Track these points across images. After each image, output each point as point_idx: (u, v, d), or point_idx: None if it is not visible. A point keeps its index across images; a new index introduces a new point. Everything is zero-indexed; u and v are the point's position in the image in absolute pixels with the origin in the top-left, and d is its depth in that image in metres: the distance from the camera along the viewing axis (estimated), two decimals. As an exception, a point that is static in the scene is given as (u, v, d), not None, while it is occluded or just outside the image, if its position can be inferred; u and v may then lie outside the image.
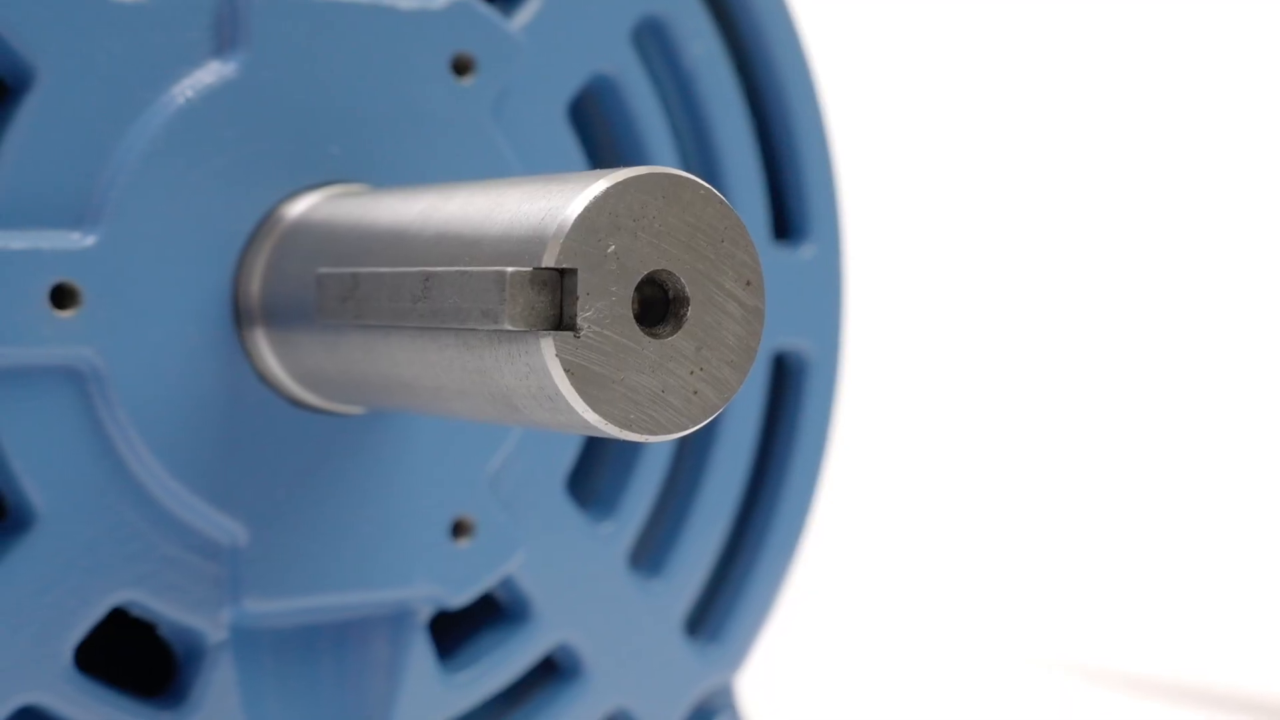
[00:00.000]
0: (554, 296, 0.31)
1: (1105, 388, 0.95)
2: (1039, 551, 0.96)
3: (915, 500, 1.02)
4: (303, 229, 0.41)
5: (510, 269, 0.31)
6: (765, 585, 0.53)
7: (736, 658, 0.53)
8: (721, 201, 0.33)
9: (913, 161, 1.02)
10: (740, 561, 0.53)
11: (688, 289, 0.32)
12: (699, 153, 0.51)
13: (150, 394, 0.41)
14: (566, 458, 0.48)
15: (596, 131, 0.49)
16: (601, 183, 0.31)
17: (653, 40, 0.49)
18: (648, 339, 0.32)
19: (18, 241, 0.39)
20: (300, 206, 0.42)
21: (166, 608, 0.42)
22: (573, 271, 0.31)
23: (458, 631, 0.48)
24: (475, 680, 0.47)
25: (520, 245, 0.32)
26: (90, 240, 0.40)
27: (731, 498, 0.52)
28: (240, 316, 0.41)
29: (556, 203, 0.32)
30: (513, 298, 0.31)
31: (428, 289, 0.34)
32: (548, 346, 0.31)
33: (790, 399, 0.53)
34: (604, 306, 0.31)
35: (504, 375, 0.33)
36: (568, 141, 0.47)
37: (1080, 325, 0.97)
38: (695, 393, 0.33)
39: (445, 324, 0.33)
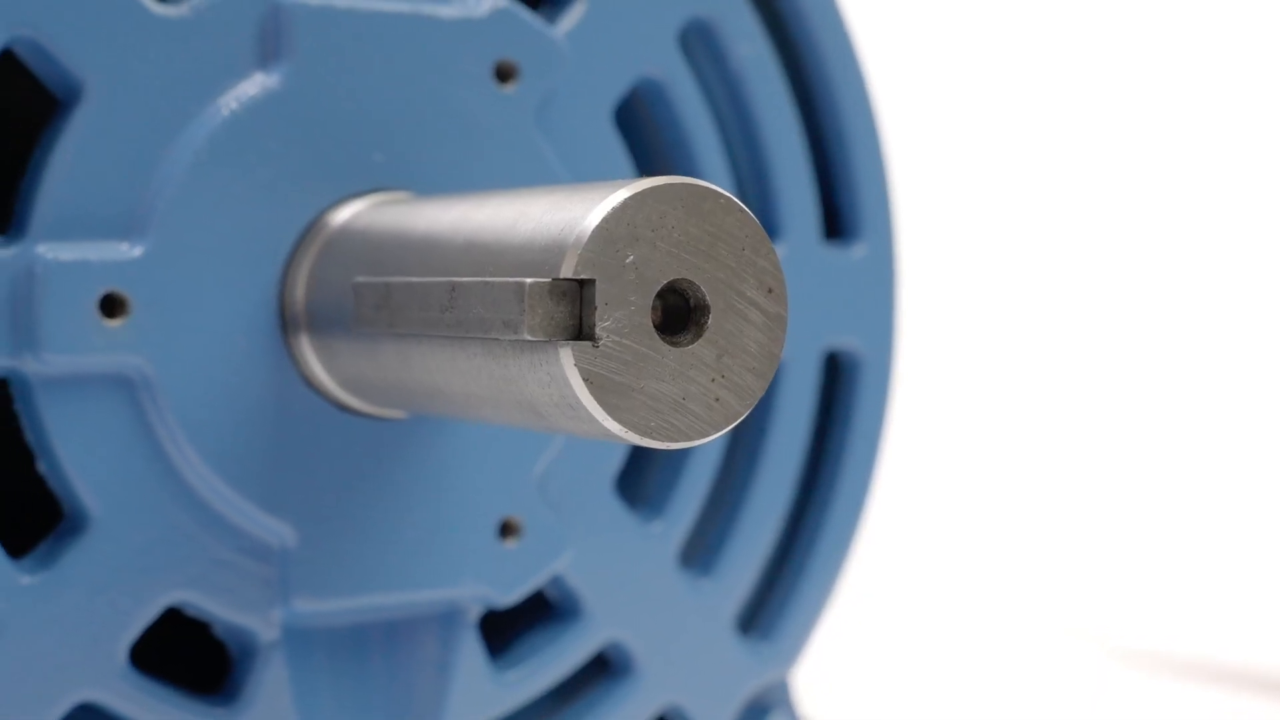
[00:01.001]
0: (573, 307, 0.32)
1: (1150, 382, 0.95)
2: (1093, 548, 0.95)
3: (968, 496, 1.01)
4: (344, 237, 0.41)
5: (529, 280, 0.32)
6: (819, 583, 0.53)
7: (790, 655, 0.53)
8: (742, 210, 0.33)
9: (966, 160, 1.01)
10: (793, 559, 0.53)
11: (708, 297, 0.33)
12: (748, 154, 0.51)
13: (199, 400, 0.41)
14: (615, 458, 0.48)
15: (644, 135, 0.50)
16: (620, 193, 0.32)
17: (700, 42, 0.50)
18: (667, 347, 0.32)
19: (67, 253, 0.40)
20: (343, 215, 0.42)
21: (219, 608, 0.43)
22: (591, 282, 0.32)
23: (509, 630, 0.49)
24: (526, 678, 0.48)
25: (540, 256, 0.32)
26: (138, 250, 0.40)
27: (783, 497, 0.52)
28: (286, 323, 0.42)
29: (576, 213, 0.32)
30: (532, 308, 0.32)
31: (454, 299, 0.34)
32: (566, 356, 0.32)
33: (843, 398, 0.53)
34: (623, 316, 0.32)
35: (527, 384, 0.33)
36: (614, 146, 0.47)
37: (1127, 321, 0.96)
38: (717, 400, 0.33)
39: (471, 333, 0.34)
